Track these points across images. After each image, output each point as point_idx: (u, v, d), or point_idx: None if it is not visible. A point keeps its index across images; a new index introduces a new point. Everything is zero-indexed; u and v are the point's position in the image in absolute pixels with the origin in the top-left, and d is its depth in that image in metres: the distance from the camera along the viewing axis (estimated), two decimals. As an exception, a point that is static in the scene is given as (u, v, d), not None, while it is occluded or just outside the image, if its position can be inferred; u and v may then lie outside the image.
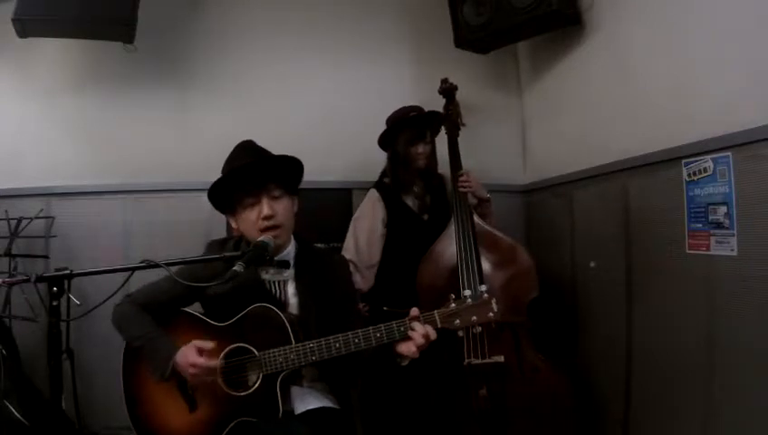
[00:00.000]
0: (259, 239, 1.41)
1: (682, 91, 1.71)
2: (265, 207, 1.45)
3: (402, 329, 1.29)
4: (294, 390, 1.47)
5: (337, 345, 1.31)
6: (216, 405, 1.39)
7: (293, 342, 1.35)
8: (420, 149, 2.26)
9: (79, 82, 2.71)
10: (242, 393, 1.37)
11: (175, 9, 2.76)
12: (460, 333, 1.42)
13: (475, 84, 2.54)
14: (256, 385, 1.36)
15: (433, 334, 1.30)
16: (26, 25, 2.25)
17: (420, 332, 1.29)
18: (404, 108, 2.33)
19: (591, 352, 2.20)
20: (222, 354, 1.39)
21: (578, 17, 2.22)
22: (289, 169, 1.53)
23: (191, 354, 1.33)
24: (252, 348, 1.38)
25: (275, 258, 1.49)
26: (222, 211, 1.58)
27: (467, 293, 1.41)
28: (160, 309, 1.50)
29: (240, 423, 1.37)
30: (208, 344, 1.35)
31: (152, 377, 1.41)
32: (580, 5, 2.21)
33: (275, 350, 1.35)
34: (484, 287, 1.42)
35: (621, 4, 2.02)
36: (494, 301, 1.34)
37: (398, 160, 2.28)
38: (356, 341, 1.31)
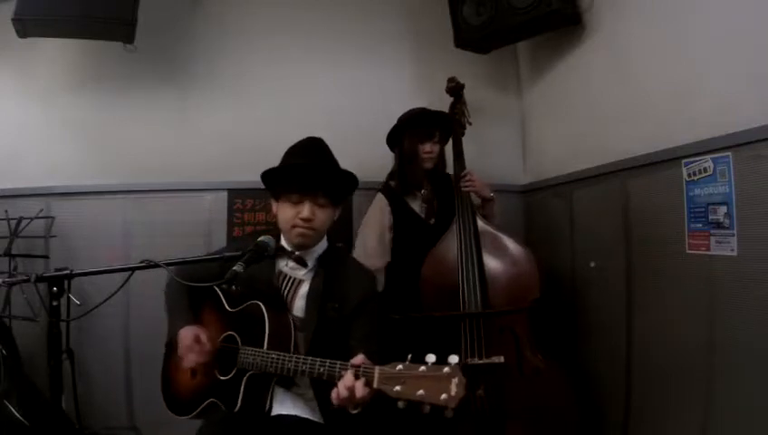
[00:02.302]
0: (259, 239, 1.43)
1: (682, 91, 1.71)
2: (306, 210, 1.46)
3: (343, 374, 1.14)
4: (278, 391, 1.47)
5: (289, 365, 1.30)
6: (205, 380, 1.49)
7: (265, 347, 1.36)
8: (428, 148, 2.23)
9: (79, 82, 2.72)
10: (221, 378, 1.44)
11: (175, 9, 2.76)
12: (402, 404, 1.02)
13: (475, 84, 2.54)
14: (230, 375, 1.42)
15: (360, 391, 1.07)
16: (26, 25, 2.25)
17: (344, 383, 1.11)
18: (414, 109, 2.31)
19: (591, 352, 2.20)
20: (220, 338, 1.49)
21: (578, 17, 2.22)
22: (343, 181, 1.55)
23: (187, 338, 1.42)
24: (239, 340, 1.45)
25: (297, 253, 1.53)
26: (270, 192, 1.60)
27: (430, 357, 1.01)
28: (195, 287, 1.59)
29: (212, 403, 1.45)
30: (204, 337, 1.43)
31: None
32: (580, 5, 2.20)
33: (249, 348, 1.39)
34: (455, 359, 0.99)
35: (621, 4, 2.02)
36: (455, 381, 0.95)
37: (404, 160, 2.25)
38: (303, 368, 1.27)
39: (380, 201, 2.26)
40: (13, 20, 2.20)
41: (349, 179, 1.55)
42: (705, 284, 1.59)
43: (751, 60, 1.46)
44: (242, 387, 1.37)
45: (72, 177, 2.65)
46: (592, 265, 2.16)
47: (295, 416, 1.44)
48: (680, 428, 1.70)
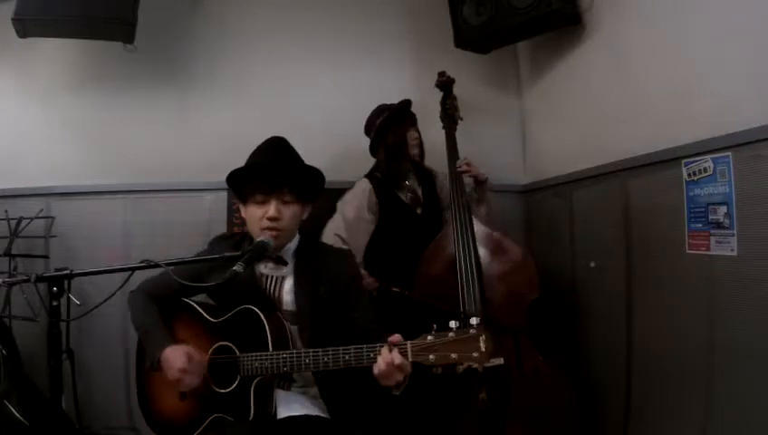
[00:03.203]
0: (259, 239, 1.43)
1: (682, 91, 1.71)
2: (272, 209, 1.46)
3: (372, 355, 1.23)
4: (279, 393, 1.46)
5: (307, 361, 1.30)
6: (201, 398, 1.44)
7: (270, 349, 1.35)
8: (414, 134, 2.32)
9: (79, 82, 2.71)
10: (221, 391, 1.41)
11: (175, 9, 2.76)
12: (437, 370, 1.16)
13: (475, 84, 2.54)
14: (234, 385, 1.39)
15: (398, 359, 1.18)
16: (26, 25, 2.25)
17: (384, 358, 1.19)
18: (377, 109, 2.35)
19: (591, 353, 2.19)
20: (210, 351, 1.45)
21: (578, 17, 2.22)
22: (308, 177, 1.55)
23: (179, 359, 1.36)
24: (235, 348, 1.41)
25: (275, 254, 1.52)
26: (236, 196, 1.60)
27: (453, 323, 1.15)
28: (167, 299, 1.57)
29: (216, 419, 1.41)
30: (196, 356, 1.39)
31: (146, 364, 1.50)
32: (580, 5, 2.20)
33: (253, 354, 1.37)
34: (476, 320, 1.12)
35: (621, 4, 2.02)
36: (482, 339, 1.10)
37: (392, 151, 2.28)
38: (325, 359, 1.28)
39: (363, 183, 2.28)
40: (13, 20, 2.20)
41: (313, 174, 1.55)
42: (705, 284, 1.58)
43: (751, 60, 1.45)
44: (251, 395, 1.35)
45: (72, 177, 2.65)
46: (592, 265, 2.16)
47: (305, 415, 1.44)
48: (680, 428, 1.70)
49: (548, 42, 2.47)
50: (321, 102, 2.73)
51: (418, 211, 2.29)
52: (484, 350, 1.09)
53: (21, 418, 1.99)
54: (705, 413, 1.58)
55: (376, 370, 1.21)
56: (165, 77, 2.73)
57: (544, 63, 2.58)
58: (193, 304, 1.57)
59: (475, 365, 1.12)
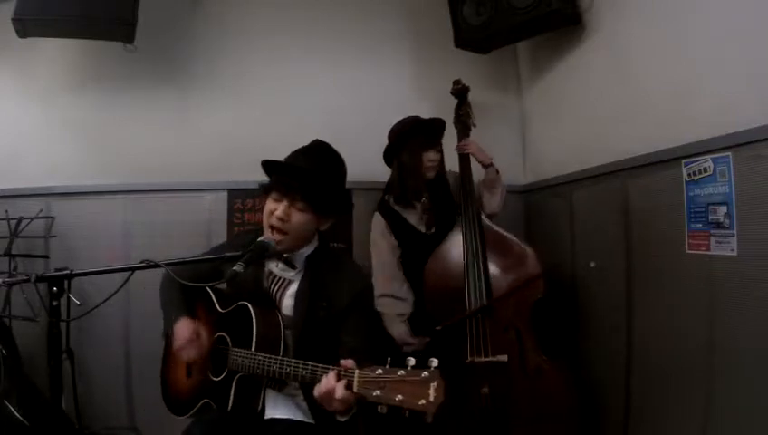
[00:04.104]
0: (260, 239, 1.43)
1: (682, 91, 1.71)
2: (280, 210, 1.45)
3: (323, 375, 1.17)
4: (270, 393, 1.47)
5: (273, 368, 1.31)
6: (199, 380, 1.52)
7: (253, 348, 1.37)
8: (432, 156, 2.21)
9: (79, 82, 2.72)
10: (213, 379, 1.46)
11: (175, 9, 2.76)
12: (383, 410, 1.02)
13: (475, 84, 2.54)
14: (222, 376, 1.43)
15: (339, 393, 1.09)
16: (26, 25, 2.25)
17: (326, 383, 1.12)
18: (407, 118, 2.29)
19: (591, 352, 2.19)
20: (213, 339, 1.51)
21: (578, 17, 2.22)
22: (330, 191, 1.50)
23: (185, 332, 1.48)
24: (230, 341, 1.46)
25: (285, 255, 1.52)
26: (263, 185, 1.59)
27: (410, 361, 1.01)
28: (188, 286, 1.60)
29: (206, 404, 1.47)
30: (202, 332, 1.50)
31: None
32: (580, 5, 2.20)
33: (238, 350, 1.41)
34: (435, 362, 0.99)
35: (621, 4, 2.02)
36: (433, 386, 0.95)
37: (405, 169, 2.21)
38: (287, 370, 1.29)
39: (380, 224, 2.24)
40: (13, 20, 2.20)
41: (337, 192, 1.53)
42: (705, 284, 1.58)
43: (751, 60, 1.45)
44: (232, 388, 1.38)
45: (72, 177, 2.65)
46: (592, 265, 2.16)
47: (288, 419, 1.44)
48: (680, 428, 1.70)
49: (548, 42, 2.47)
50: (322, 102, 2.73)
51: (432, 231, 2.22)
52: (432, 399, 0.95)
53: (21, 418, 1.99)
54: (705, 413, 1.58)
55: (316, 392, 1.16)
56: (165, 77, 2.73)
57: (544, 63, 2.58)
58: (210, 292, 1.61)
59: (423, 413, 0.97)
